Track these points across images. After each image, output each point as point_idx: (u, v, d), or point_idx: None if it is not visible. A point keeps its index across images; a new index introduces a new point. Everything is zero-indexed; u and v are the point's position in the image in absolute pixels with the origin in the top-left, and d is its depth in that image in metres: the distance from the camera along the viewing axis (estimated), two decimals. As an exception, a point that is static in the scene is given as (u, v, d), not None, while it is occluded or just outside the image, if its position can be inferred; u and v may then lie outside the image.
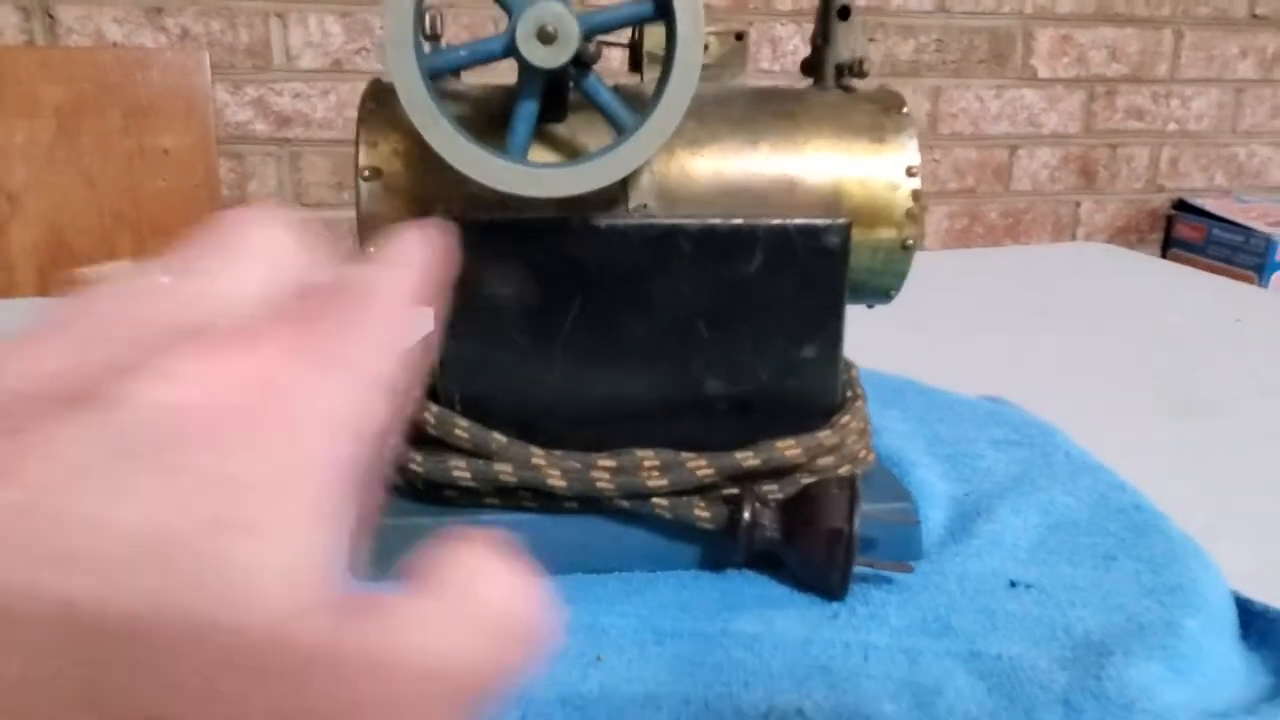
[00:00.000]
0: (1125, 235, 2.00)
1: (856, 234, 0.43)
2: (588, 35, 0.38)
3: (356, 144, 0.42)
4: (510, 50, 0.38)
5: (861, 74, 0.45)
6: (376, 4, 1.46)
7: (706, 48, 0.44)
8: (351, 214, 0.43)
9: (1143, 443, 0.63)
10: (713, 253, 0.42)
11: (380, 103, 0.43)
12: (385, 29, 0.37)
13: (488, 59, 0.39)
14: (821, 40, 0.46)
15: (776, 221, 0.42)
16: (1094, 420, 0.65)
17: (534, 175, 0.38)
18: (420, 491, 0.43)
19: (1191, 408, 0.70)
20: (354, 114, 0.43)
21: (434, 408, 0.42)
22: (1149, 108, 1.93)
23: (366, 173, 0.42)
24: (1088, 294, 0.99)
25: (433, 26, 0.42)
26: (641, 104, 0.39)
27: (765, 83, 1.07)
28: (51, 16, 1.34)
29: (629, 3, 0.39)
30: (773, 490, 0.43)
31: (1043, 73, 1.83)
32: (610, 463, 0.42)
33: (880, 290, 0.46)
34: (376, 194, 0.42)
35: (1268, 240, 1.83)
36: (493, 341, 0.43)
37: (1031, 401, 0.63)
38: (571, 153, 0.42)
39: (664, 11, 0.38)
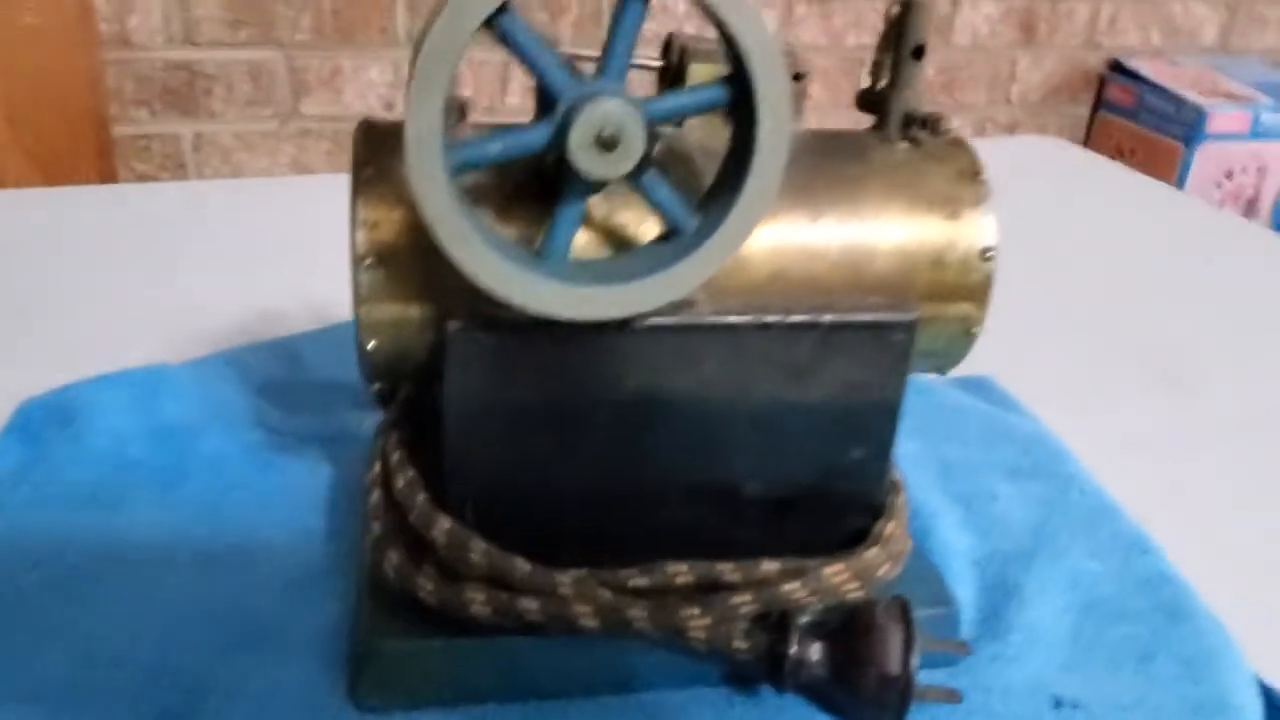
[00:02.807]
0: (1058, 96, 1.97)
1: (922, 319, 0.38)
2: (650, 126, 0.31)
3: (353, 220, 0.35)
4: (557, 150, 0.31)
5: (936, 133, 0.39)
6: None
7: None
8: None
9: (1123, 420, 0.62)
10: (765, 352, 0.37)
11: (380, 168, 0.35)
12: (409, 125, 0.29)
13: (526, 154, 0.31)
14: (890, 83, 0.40)
15: (839, 318, 0.37)
16: (1071, 393, 0.64)
17: (580, 297, 0.32)
18: (429, 611, 0.38)
19: (1170, 381, 0.69)
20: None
21: (444, 522, 0.37)
22: (1095, -38, 1.86)
23: (369, 261, 0.34)
24: (1046, 216, 0.96)
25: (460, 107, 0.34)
26: (692, 176, 0.32)
27: None
28: None
29: (697, 87, 0.32)
30: (816, 602, 0.39)
31: (994, -77, 1.73)
32: (642, 582, 0.38)
33: (929, 369, 0.42)
34: (380, 285, 0.35)
35: (1198, 112, 1.82)
36: (514, 448, 0.37)
37: (1009, 372, 0.62)
38: (607, 234, 0.36)
39: (742, 101, 0.31)
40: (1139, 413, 0.64)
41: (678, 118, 0.32)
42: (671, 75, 0.38)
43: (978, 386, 0.64)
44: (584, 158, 0.30)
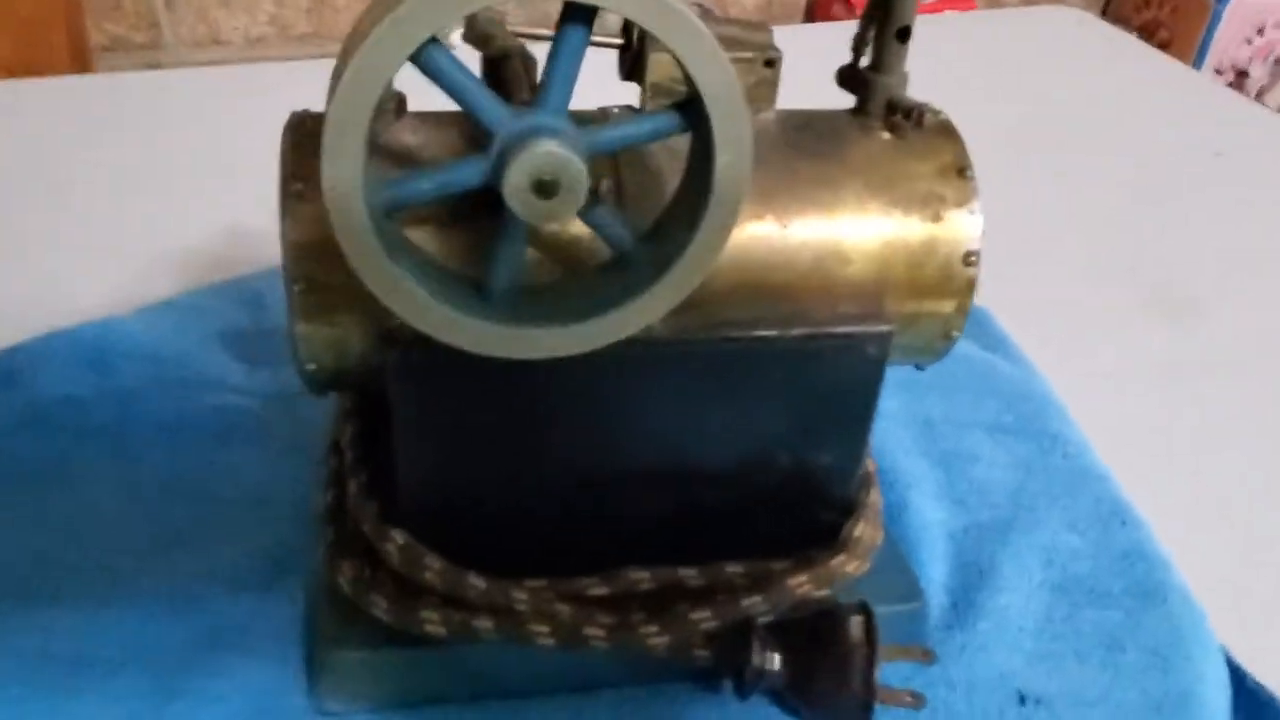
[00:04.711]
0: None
1: (897, 325, 0.36)
2: (592, 160, 0.28)
3: (283, 240, 0.32)
4: (494, 191, 0.28)
5: (920, 125, 0.35)
6: None
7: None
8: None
9: (1118, 355, 0.61)
10: (730, 369, 0.35)
11: (311, 181, 0.32)
12: (325, 173, 0.27)
13: (461, 192, 0.29)
14: (872, 65, 0.36)
15: (808, 331, 0.35)
16: (1068, 320, 0.63)
17: (525, 338, 0.30)
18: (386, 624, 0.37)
19: (1171, 305, 0.67)
20: None
21: (398, 537, 0.36)
22: None
23: (301, 285, 0.32)
24: (1054, 106, 0.91)
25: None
26: (653, 181, 0.30)
27: None
28: None
29: (648, 114, 0.29)
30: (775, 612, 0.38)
31: None
32: (603, 590, 0.37)
33: (909, 363, 0.40)
34: (316, 308, 0.33)
35: (1231, -40, 1.71)
36: (467, 469, 0.36)
37: (1006, 296, 0.60)
38: (558, 251, 0.33)
39: (696, 124, 0.29)
40: (1131, 344, 0.62)
41: (624, 146, 0.29)
42: (631, 59, 0.35)
43: (973, 321, 0.62)
44: (521, 203, 0.27)
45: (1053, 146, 0.85)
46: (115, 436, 0.47)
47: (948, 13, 1.59)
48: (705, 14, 0.32)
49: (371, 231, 0.27)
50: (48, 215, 0.66)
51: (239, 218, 0.64)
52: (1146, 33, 1.84)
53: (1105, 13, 1.97)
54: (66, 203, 0.67)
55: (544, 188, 0.27)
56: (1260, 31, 1.77)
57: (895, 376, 0.55)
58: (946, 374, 0.56)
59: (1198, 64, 1.77)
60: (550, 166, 0.27)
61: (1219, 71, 1.79)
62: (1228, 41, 1.77)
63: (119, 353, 0.50)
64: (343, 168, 0.27)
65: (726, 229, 0.29)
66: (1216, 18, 1.75)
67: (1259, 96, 1.84)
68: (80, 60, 1.33)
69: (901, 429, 0.52)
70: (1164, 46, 1.76)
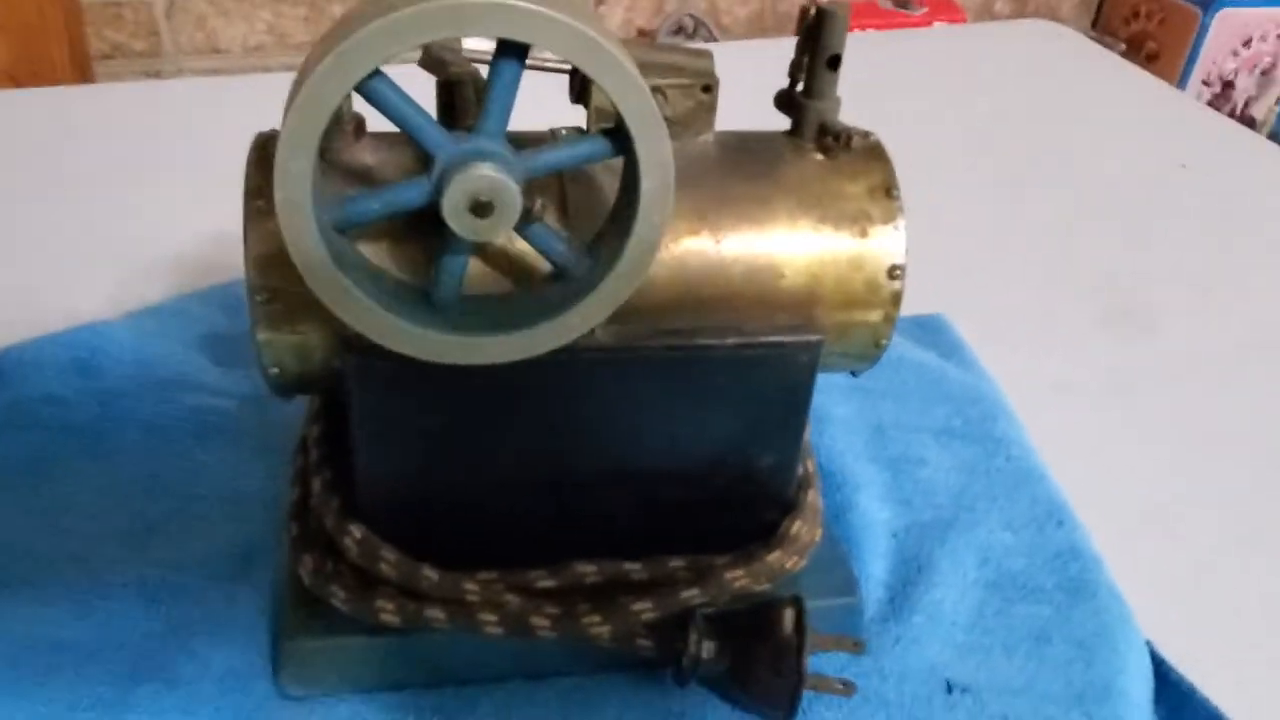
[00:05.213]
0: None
1: (828, 334, 0.38)
2: (528, 181, 0.31)
3: (246, 252, 0.35)
4: (435, 210, 0.30)
5: (849, 148, 0.38)
6: None
7: (667, 102, 0.36)
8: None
9: (1072, 363, 0.63)
10: (670, 374, 0.37)
11: (272, 198, 0.34)
12: (278, 190, 0.29)
13: (405, 212, 0.31)
14: (804, 91, 0.38)
15: (743, 340, 0.37)
16: (1024, 328, 0.65)
17: (470, 345, 0.32)
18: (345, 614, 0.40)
19: (1125, 316, 0.69)
20: None
21: (356, 532, 0.38)
22: None
23: (262, 295, 0.35)
24: (1025, 120, 0.93)
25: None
26: (593, 196, 0.32)
27: None
28: None
29: (580, 139, 0.31)
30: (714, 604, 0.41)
31: None
32: (550, 583, 0.40)
33: (844, 369, 0.42)
34: (277, 317, 0.35)
35: (1219, -28, 1.73)
36: (423, 467, 0.38)
37: (963, 303, 0.62)
38: (505, 264, 0.35)
39: (624, 149, 0.31)
40: (1085, 353, 0.64)
41: (555, 170, 0.32)
42: (579, 84, 0.37)
43: (928, 328, 0.65)
44: (459, 222, 0.30)
45: (1021, 156, 0.87)
46: (95, 435, 0.50)
47: (937, 25, 1.62)
48: (649, 41, 0.34)
49: (321, 245, 0.30)
50: (41, 221, 0.68)
51: (228, 225, 0.67)
52: (1135, 44, 1.86)
53: (1095, 25, 1.99)
54: (59, 209, 0.70)
55: (480, 208, 0.30)
56: (1247, 44, 1.79)
57: (849, 383, 0.58)
58: (899, 381, 0.59)
59: (1185, 75, 1.80)
60: (485, 188, 0.29)
61: (1206, 83, 1.82)
62: (1215, 53, 1.79)
63: (104, 355, 0.53)
64: (293, 187, 0.29)
65: (654, 244, 0.31)
66: (1204, 30, 1.77)
67: (1246, 107, 1.86)
68: (80, 68, 1.36)
69: (853, 434, 0.54)
70: (1152, 58, 1.78)
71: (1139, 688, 0.43)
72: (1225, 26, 1.76)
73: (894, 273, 0.38)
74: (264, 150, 0.36)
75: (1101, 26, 1.94)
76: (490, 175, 0.29)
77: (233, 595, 0.43)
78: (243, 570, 0.44)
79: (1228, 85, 1.83)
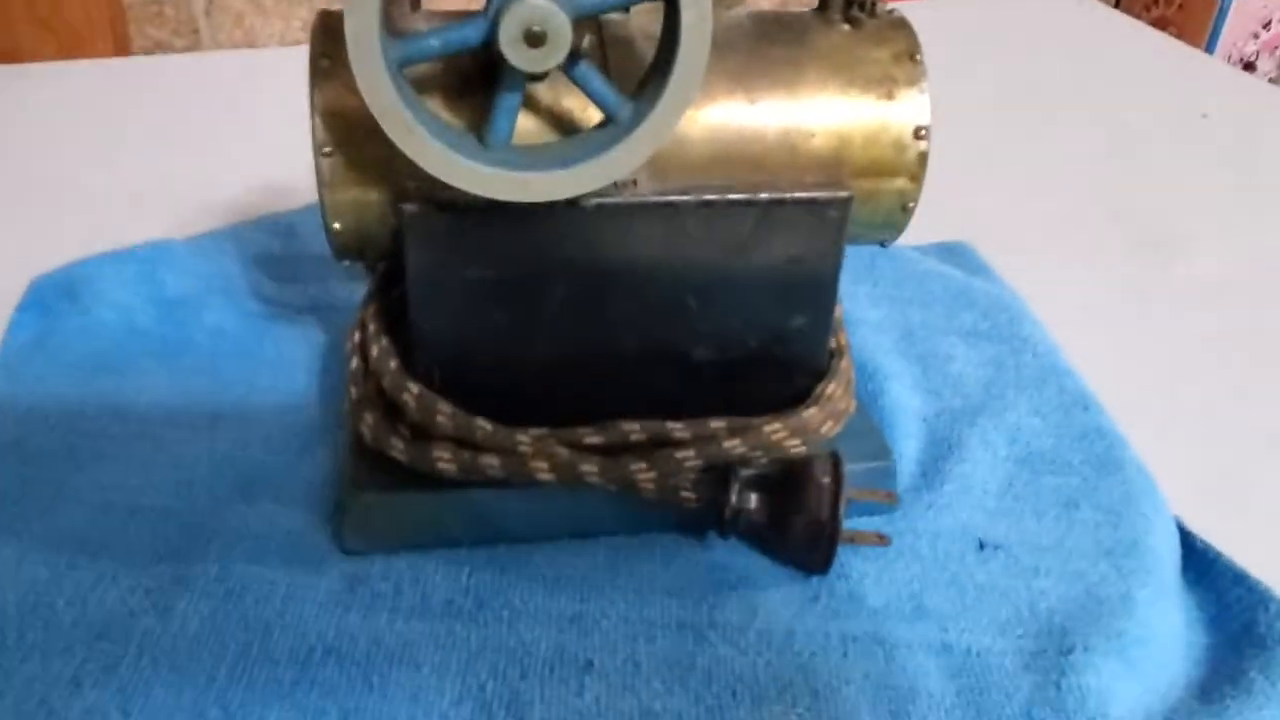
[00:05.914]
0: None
1: (857, 196, 0.40)
2: (577, 18, 0.33)
3: (311, 108, 0.37)
4: (490, 45, 0.33)
5: (873, 15, 0.40)
6: None
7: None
8: None
9: (1093, 285, 0.65)
10: (707, 228, 0.40)
11: (337, 59, 0.37)
12: (348, 24, 0.32)
13: (463, 49, 0.33)
14: (832, -36, 0.41)
15: (775, 195, 0.39)
16: (1049, 257, 0.66)
17: (520, 181, 0.35)
18: (403, 467, 0.42)
19: (1150, 245, 0.70)
20: None
21: (414, 388, 0.41)
22: None
23: (327, 149, 0.37)
24: (1050, 77, 0.95)
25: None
26: (632, 60, 0.34)
27: None
28: None
29: (625, -21, 0.34)
30: (758, 456, 0.42)
31: None
32: (597, 439, 0.42)
33: (873, 240, 0.44)
34: (339, 171, 0.37)
35: (1237, -46, 1.74)
36: (474, 321, 0.40)
37: (990, 236, 0.63)
38: (553, 119, 0.38)
39: (667, -8, 0.33)
40: (1110, 278, 0.66)
41: (604, 11, 0.34)
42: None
43: (954, 252, 0.66)
44: (514, 53, 0.32)
45: (1046, 106, 0.89)
46: (160, 338, 0.52)
47: None
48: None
49: (388, 76, 0.32)
50: (106, 172, 0.71)
51: (276, 174, 0.70)
52: (1156, 28, 1.87)
53: (1117, 8, 2.00)
54: (121, 163, 0.73)
55: (533, 38, 0.32)
56: (1267, 26, 1.80)
57: (877, 291, 0.59)
58: (925, 290, 0.60)
59: (1206, 59, 1.80)
60: (539, 17, 0.32)
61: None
62: (1236, 36, 1.80)
63: (167, 267, 0.56)
64: (362, 20, 0.31)
65: (694, 81, 0.34)
66: (1224, 12, 1.78)
67: (1269, 90, 1.86)
68: (124, 63, 1.40)
69: (882, 334, 0.56)
70: (1172, 42, 1.79)
71: (1166, 546, 0.45)
72: (1245, 9, 1.77)
73: (920, 133, 0.40)
74: (326, 21, 0.38)
75: (1123, 10, 1.95)
76: (543, 5, 0.31)
77: (294, 467, 0.46)
78: (304, 447, 0.47)
79: (1248, 67, 1.83)
